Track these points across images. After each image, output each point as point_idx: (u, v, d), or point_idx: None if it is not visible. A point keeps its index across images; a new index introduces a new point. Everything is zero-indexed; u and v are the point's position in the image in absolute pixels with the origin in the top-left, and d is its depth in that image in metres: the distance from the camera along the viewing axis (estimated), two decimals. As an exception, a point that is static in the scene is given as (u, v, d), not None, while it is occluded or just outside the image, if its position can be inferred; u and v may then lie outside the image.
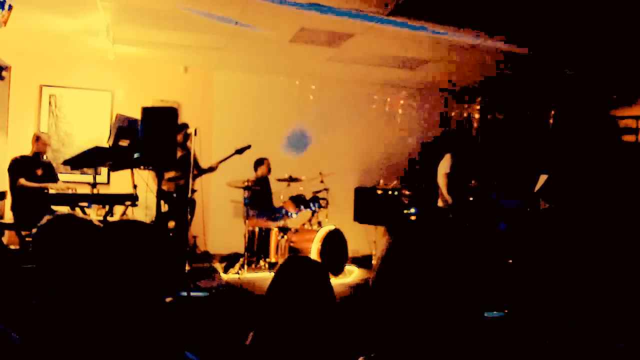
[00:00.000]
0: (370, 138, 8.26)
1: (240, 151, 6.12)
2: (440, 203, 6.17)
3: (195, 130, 5.53)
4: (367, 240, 7.36)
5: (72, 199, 5.30)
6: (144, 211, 6.46)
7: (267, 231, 6.56)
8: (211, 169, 6.30)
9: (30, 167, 5.81)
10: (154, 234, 1.37)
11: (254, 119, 7.73)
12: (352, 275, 6.59)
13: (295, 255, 5.64)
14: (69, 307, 1.55)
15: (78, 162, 5.51)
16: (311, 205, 6.72)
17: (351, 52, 6.36)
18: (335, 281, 6.00)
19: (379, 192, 7.32)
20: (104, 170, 7.01)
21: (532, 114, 8.85)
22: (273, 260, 6.44)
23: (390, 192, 7.27)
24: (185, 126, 6.27)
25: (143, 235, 1.36)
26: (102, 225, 1.85)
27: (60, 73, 7.10)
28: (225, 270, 6.36)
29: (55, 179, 6.05)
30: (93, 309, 1.32)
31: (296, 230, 6.39)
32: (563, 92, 8.41)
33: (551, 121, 8.63)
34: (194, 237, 6.84)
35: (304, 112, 8.01)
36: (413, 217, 7.19)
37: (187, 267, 5.65)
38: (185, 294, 4.75)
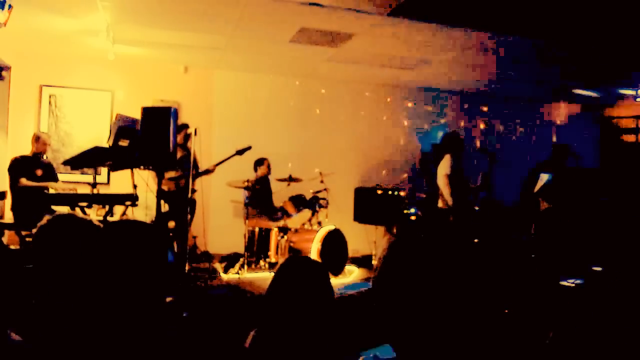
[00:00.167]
0: (370, 138, 8.26)
1: (240, 152, 6.12)
2: (440, 204, 6.16)
3: (195, 130, 5.53)
4: (367, 240, 7.36)
5: (72, 199, 5.30)
6: (144, 211, 6.46)
7: (267, 231, 6.56)
8: (207, 172, 6.29)
9: (31, 167, 5.81)
10: (153, 234, 1.37)
11: (254, 119, 7.73)
12: (352, 275, 6.59)
13: (295, 255, 5.64)
14: (69, 307, 1.55)
15: (78, 162, 5.51)
16: (311, 205, 6.72)
17: (351, 52, 6.36)
18: (335, 281, 6.00)
19: (379, 192, 7.32)
20: (104, 170, 7.01)
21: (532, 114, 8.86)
22: (273, 260, 6.44)
23: (390, 192, 7.27)
24: (185, 126, 6.27)
25: (143, 235, 1.36)
26: (102, 225, 1.85)
27: (60, 73, 7.09)
28: (225, 270, 6.36)
29: (55, 179, 6.05)
30: (93, 308, 1.32)
31: (296, 230, 6.39)
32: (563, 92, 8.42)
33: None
34: (194, 237, 6.83)
35: (304, 112, 8.01)
36: (413, 217, 7.19)
37: (187, 267, 5.65)
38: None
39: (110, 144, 5.17)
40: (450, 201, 5.96)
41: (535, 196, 6.59)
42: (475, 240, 5.63)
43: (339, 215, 7.21)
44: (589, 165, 7.76)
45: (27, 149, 5.94)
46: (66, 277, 1.65)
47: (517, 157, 8.24)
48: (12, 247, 5.86)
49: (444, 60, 6.58)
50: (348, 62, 6.93)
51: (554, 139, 8.88)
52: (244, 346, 1.73)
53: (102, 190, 6.21)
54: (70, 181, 6.51)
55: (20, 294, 1.60)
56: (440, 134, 8.41)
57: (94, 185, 5.62)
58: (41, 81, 7.04)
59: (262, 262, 6.51)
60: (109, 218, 5.54)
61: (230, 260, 6.59)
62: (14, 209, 5.79)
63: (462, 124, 8.55)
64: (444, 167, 6.07)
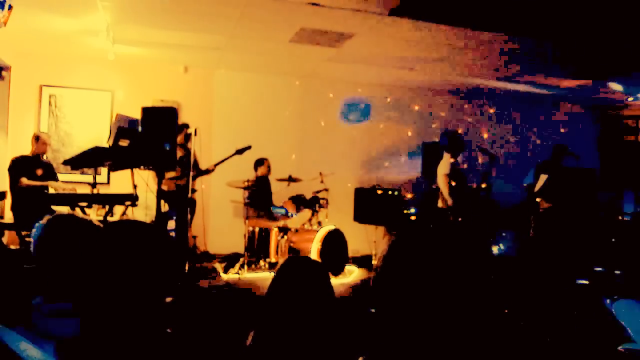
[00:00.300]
0: (371, 138, 8.26)
1: (240, 152, 6.12)
2: (440, 204, 6.16)
3: (195, 130, 5.53)
4: (367, 240, 7.36)
5: (72, 199, 5.30)
6: (144, 211, 6.46)
7: (267, 231, 6.56)
8: (207, 171, 6.29)
9: (31, 167, 5.81)
10: (154, 234, 1.37)
11: (254, 119, 7.73)
12: (352, 275, 6.59)
13: (295, 255, 5.65)
14: (69, 307, 1.55)
15: (78, 162, 5.50)
16: (311, 205, 6.72)
17: (351, 52, 6.36)
18: (335, 281, 6.00)
19: (379, 192, 7.32)
20: (104, 170, 7.01)
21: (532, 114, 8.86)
22: (273, 260, 6.44)
23: (390, 192, 7.27)
24: (185, 126, 6.26)
25: (143, 235, 1.36)
26: (102, 225, 1.85)
27: (60, 73, 7.09)
28: (225, 270, 6.35)
29: (55, 179, 6.05)
30: (93, 309, 1.32)
31: (296, 230, 6.39)
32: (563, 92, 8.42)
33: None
34: (194, 237, 6.84)
35: (304, 112, 8.01)
36: (413, 217, 7.19)
37: (187, 267, 5.65)
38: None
39: (110, 144, 5.16)
40: (449, 201, 5.96)
41: (535, 196, 6.60)
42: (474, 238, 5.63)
43: (339, 215, 7.21)
44: (589, 165, 7.76)
45: (27, 149, 5.94)
46: (66, 277, 1.65)
47: (517, 157, 8.25)
48: (12, 247, 5.86)
49: (444, 59, 6.58)
50: (348, 62, 6.93)
51: (556, 138, 8.88)
52: (244, 346, 1.73)
53: (102, 190, 6.21)
54: (70, 181, 6.50)
55: (20, 294, 1.60)
56: (440, 133, 8.42)
57: (94, 185, 5.62)
58: (41, 81, 7.04)
59: (262, 262, 6.51)
60: (109, 218, 5.53)
61: (230, 260, 6.59)
62: (14, 209, 5.79)
63: (462, 123, 8.54)
64: (443, 166, 6.07)
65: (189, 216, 6.12)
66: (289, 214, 6.58)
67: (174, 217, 5.97)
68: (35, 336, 1.44)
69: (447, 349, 0.94)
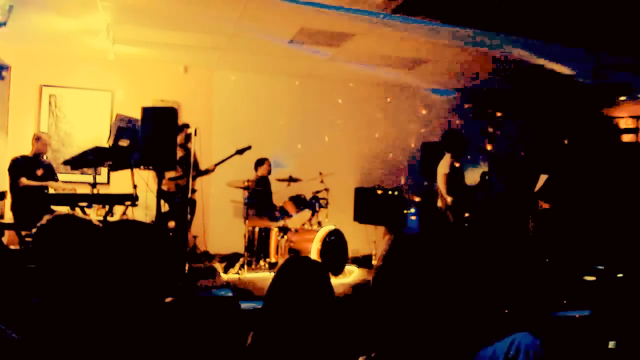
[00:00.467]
0: (370, 138, 8.26)
1: (240, 152, 6.12)
2: (439, 204, 6.16)
3: (195, 130, 5.53)
4: (367, 240, 7.36)
5: (72, 199, 5.30)
6: (144, 211, 6.46)
7: (267, 231, 6.56)
8: (207, 171, 6.29)
9: (31, 167, 5.81)
10: (153, 234, 1.37)
11: (254, 119, 7.73)
12: (352, 275, 6.59)
13: (295, 255, 5.64)
14: (69, 307, 1.55)
15: (78, 162, 5.51)
16: (311, 205, 6.72)
17: (351, 52, 6.36)
18: (335, 281, 6.00)
19: (379, 192, 7.32)
20: (104, 170, 7.01)
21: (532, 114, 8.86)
22: (273, 260, 6.44)
23: (390, 192, 7.27)
24: (186, 126, 6.26)
25: (143, 235, 1.36)
26: (102, 225, 1.85)
27: (60, 73, 7.09)
28: (225, 270, 6.35)
29: (55, 180, 6.05)
30: (93, 308, 1.32)
31: (296, 230, 6.38)
32: (562, 92, 8.42)
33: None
34: (194, 237, 6.84)
35: (304, 112, 8.02)
36: (413, 217, 7.19)
37: (187, 267, 5.65)
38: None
39: (110, 144, 5.17)
40: (449, 201, 5.95)
41: (534, 196, 6.60)
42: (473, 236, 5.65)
43: (339, 215, 7.21)
44: (588, 166, 7.75)
45: (27, 149, 5.94)
46: (66, 277, 1.65)
47: (517, 157, 8.24)
48: (12, 247, 5.86)
49: (444, 59, 6.58)
50: (348, 62, 6.93)
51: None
52: (244, 346, 1.73)
53: (102, 190, 6.21)
54: (70, 181, 6.50)
55: (20, 294, 1.60)
56: (440, 133, 8.41)
57: (94, 185, 5.62)
58: (41, 81, 7.04)
59: (262, 262, 6.51)
60: (109, 218, 5.54)
61: (230, 260, 6.59)
62: (14, 209, 5.79)
63: (463, 123, 8.54)
64: (443, 166, 6.07)
65: (189, 216, 6.12)
66: (289, 214, 6.58)
67: (174, 218, 5.98)
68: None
69: (447, 346, 0.94)
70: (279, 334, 1.64)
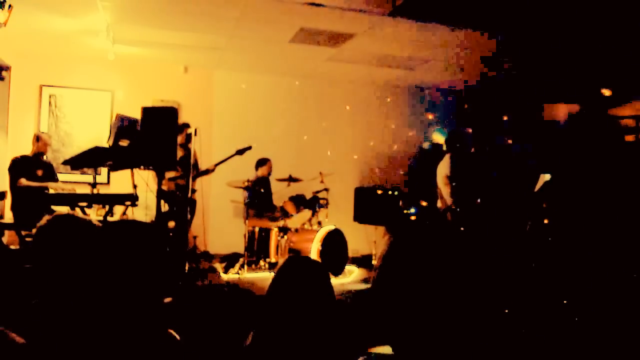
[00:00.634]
0: (370, 138, 8.26)
1: (240, 152, 6.12)
2: (439, 204, 6.16)
3: (195, 130, 5.53)
4: (367, 240, 7.36)
5: (72, 199, 5.30)
6: (144, 211, 6.46)
7: (267, 231, 6.56)
8: (208, 171, 6.29)
9: (31, 167, 5.81)
10: (153, 234, 1.37)
11: (254, 119, 7.73)
12: (352, 275, 6.59)
13: (295, 255, 5.64)
14: (69, 307, 1.55)
15: (78, 162, 5.51)
16: (311, 205, 6.72)
17: (351, 52, 6.36)
18: (335, 281, 6.00)
19: (379, 192, 7.32)
20: (104, 170, 7.01)
21: (532, 114, 8.85)
22: (273, 260, 6.44)
23: (390, 192, 7.27)
24: (186, 126, 6.26)
25: (142, 235, 1.36)
26: (102, 225, 1.84)
27: (60, 73, 7.10)
28: (225, 270, 6.36)
29: (55, 180, 6.05)
30: (92, 308, 1.32)
31: (296, 230, 6.39)
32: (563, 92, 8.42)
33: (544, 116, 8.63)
34: (194, 237, 6.84)
35: (304, 112, 8.02)
36: (413, 217, 7.19)
37: (187, 267, 5.65)
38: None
39: (110, 144, 5.17)
40: (449, 201, 5.95)
41: (534, 196, 6.59)
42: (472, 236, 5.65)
43: (339, 215, 7.21)
44: (588, 166, 7.75)
45: (27, 149, 5.94)
46: (66, 277, 1.65)
47: (517, 157, 8.23)
48: (12, 247, 5.86)
49: (444, 60, 6.58)
50: (348, 62, 6.93)
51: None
52: (244, 346, 1.73)
53: (102, 190, 6.21)
54: (70, 181, 6.51)
55: (20, 294, 1.60)
56: (440, 133, 8.42)
57: (94, 185, 5.62)
58: (41, 81, 7.04)
59: (262, 262, 6.51)
60: (109, 218, 5.53)
61: (230, 260, 6.59)
62: (14, 209, 5.79)
63: (462, 123, 8.54)
64: (443, 167, 6.07)
65: (189, 216, 6.12)
66: (289, 214, 6.57)
67: (174, 218, 5.97)
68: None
69: (447, 346, 0.94)
70: (279, 334, 1.64)
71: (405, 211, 7.20)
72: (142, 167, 5.06)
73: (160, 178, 4.80)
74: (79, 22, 5.47)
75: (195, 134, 5.52)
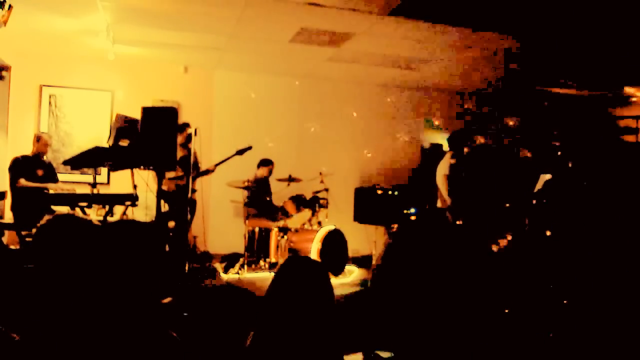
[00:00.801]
0: (370, 138, 8.26)
1: (241, 152, 6.12)
2: (439, 204, 6.17)
3: (196, 130, 5.53)
4: (367, 240, 7.35)
5: (72, 199, 5.30)
6: (144, 211, 6.46)
7: (267, 231, 6.56)
8: (208, 172, 6.29)
9: (31, 167, 5.81)
10: (152, 234, 1.37)
11: (254, 119, 7.73)
12: (352, 275, 6.59)
13: (296, 255, 5.65)
14: (69, 307, 1.55)
15: (78, 162, 5.50)
16: (311, 205, 6.72)
17: (351, 52, 6.37)
18: (335, 281, 6.00)
19: (379, 192, 7.32)
20: (104, 170, 7.01)
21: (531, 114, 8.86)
22: (273, 260, 6.44)
23: (390, 192, 7.27)
24: (186, 125, 6.26)
25: (142, 236, 1.36)
26: (101, 225, 1.84)
27: (60, 73, 7.10)
28: (225, 270, 6.36)
29: (55, 180, 6.05)
30: (92, 308, 1.32)
31: (296, 230, 6.39)
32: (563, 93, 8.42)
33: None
34: (194, 237, 6.84)
35: (304, 112, 8.02)
36: (413, 217, 7.19)
37: (187, 267, 5.65)
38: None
39: (110, 144, 5.17)
40: (449, 201, 5.96)
41: (534, 196, 6.59)
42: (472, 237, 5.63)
43: (339, 215, 7.21)
44: (588, 166, 7.74)
45: (27, 149, 5.94)
46: (66, 277, 1.65)
47: (517, 157, 8.23)
48: (12, 247, 5.86)
49: (444, 59, 6.58)
50: (348, 62, 6.93)
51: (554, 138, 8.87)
52: (244, 346, 1.73)
53: (102, 190, 6.21)
54: (70, 181, 6.51)
55: (20, 294, 1.60)
56: (439, 133, 8.42)
57: (94, 185, 5.62)
58: (41, 81, 7.04)
59: (262, 262, 6.51)
60: (109, 218, 5.53)
61: (230, 260, 6.59)
62: (14, 209, 5.79)
63: (462, 123, 8.54)
64: (443, 167, 6.07)
65: (189, 216, 6.12)
66: (289, 214, 6.57)
67: (174, 218, 5.97)
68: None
69: (446, 344, 0.94)
70: (279, 334, 1.64)
71: (405, 211, 7.20)
72: (142, 167, 5.05)
73: (160, 178, 4.80)
74: (79, 22, 5.47)
75: (195, 134, 5.52)
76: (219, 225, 7.49)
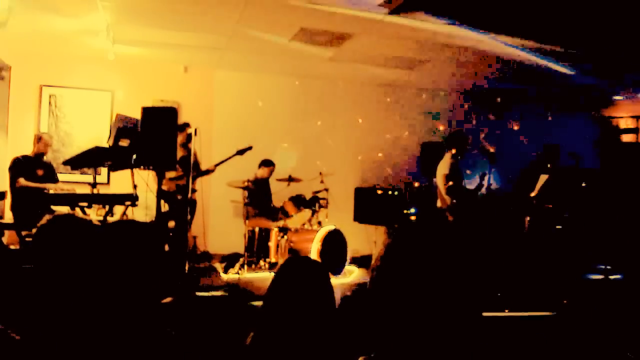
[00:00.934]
0: (370, 138, 8.26)
1: (241, 152, 6.11)
2: (439, 203, 6.16)
3: (195, 130, 5.53)
4: (367, 240, 7.35)
5: (72, 199, 5.30)
6: (144, 211, 6.46)
7: (267, 231, 6.55)
8: (208, 172, 6.28)
9: (32, 167, 5.82)
10: (152, 234, 1.37)
11: (254, 119, 7.73)
12: (352, 275, 6.59)
13: (295, 255, 5.65)
14: (68, 307, 1.55)
15: (78, 162, 5.51)
16: (311, 205, 6.72)
17: (351, 52, 6.36)
18: (335, 281, 6.00)
19: (379, 192, 7.32)
20: (104, 170, 7.01)
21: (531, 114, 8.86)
22: (273, 260, 6.44)
23: (390, 192, 7.27)
24: (187, 125, 6.26)
25: (141, 236, 1.36)
26: (101, 225, 1.85)
27: (60, 73, 7.09)
28: (225, 270, 6.35)
29: (55, 180, 6.05)
30: (92, 308, 1.32)
31: (296, 230, 6.38)
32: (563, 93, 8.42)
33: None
34: (194, 237, 6.83)
35: (304, 112, 8.01)
36: (413, 217, 7.19)
37: (187, 267, 5.65)
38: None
39: (110, 144, 5.17)
40: (449, 200, 5.96)
41: (533, 197, 6.59)
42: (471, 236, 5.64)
43: (339, 215, 7.21)
44: (588, 166, 7.76)
45: (27, 149, 5.94)
46: (66, 277, 1.65)
47: (517, 157, 8.24)
48: (12, 247, 5.86)
49: (444, 60, 6.58)
50: (348, 62, 6.93)
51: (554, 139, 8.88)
52: (243, 346, 1.73)
53: (102, 190, 6.21)
54: (70, 181, 6.51)
55: (20, 294, 1.60)
56: (439, 133, 8.42)
57: (94, 185, 5.62)
58: (41, 81, 7.04)
59: (262, 262, 6.51)
60: (109, 218, 5.53)
61: (230, 260, 6.59)
62: (13, 209, 5.79)
63: (462, 123, 8.54)
64: (443, 166, 6.07)
65: (189, 216, 6.12)
66: (289, 214, 6.57)
67: (174, 217, 5.97)
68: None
69: (445, 348, 0.94)
70: (279, 334, 1.64)
71: (405, 211, 7.20)
72: (142, 167, 5.05)
73: (160, 178, 4.80)
74: (79, 22, 5.47)
75: (195, 134, 5.52)
76: (219, 225, 7.49)
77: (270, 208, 6.78)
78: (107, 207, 5.58)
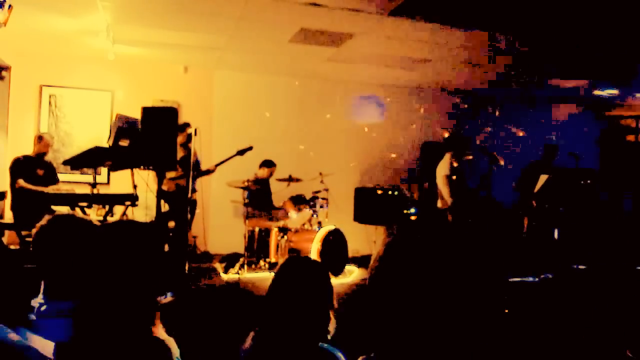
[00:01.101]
0: (370, 138, 8.26)
1: (241, 152, 6.11)
2: (439, 204, 6.17)
3: (195, 130, 5.53)
4: (367, 240, 7.36)
5: (72, 199, 5.30)
6: (144, 211, 6.46)
7: (267, 231, 6.55)
8: (208, 172, 6.28)
9: (32, 167, 5.81)
10: (151, 234, 1.37)
11: (254, 119, 7.73)
12: (352, 275, 6.59)
13: (295, 255, 5.64)
14: (68, 306, 1.55)
15: (78, 162, 5.51)
16: (311, 205, 6.72)
17: (351, 52, 6.36)
18: (335, 281, 6.00)
19: (379, 192, 7.32)
20: (104, 170, 7.01)
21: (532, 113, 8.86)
22: (273, 260, 6.44)
23: (390, 192, 7.27)
24: (187, 125, 6.26)
25: (141, 236, 1.36)
26: (100, 225, 1.85)
27: (60, 73, 7.09)
28: (225, 270, 6.36)
29: (55, 180, 6.05)
30: (92, 308, 1.32)
31: (296, 230, 6.39)
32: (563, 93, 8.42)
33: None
34: (194, 237, 6.83)
35: (304, 112, 8.01)
36: (413, 217, 7.19)
37: (187, 267, 5.65)
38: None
39: (110, 144, 5.17)
40: (449, 201, 5.96)
41: (534, 197, 6.60)
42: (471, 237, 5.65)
43: (339, 215, 7.21)
44: (589, 166, 7.76)
45: (27, 149, 5.94)
46: (65, 277, 1.65)
47: (517, 157, 8.25)
48: (12, 247, 5.86)
49: (444, 60, 6.58)
50: (348, 62, 6.93)
51: (555, 139, 8.88)
52: (243, 346, 1.73)
53: (102, 190, 6.21)
54: (70, 181, 6.51)
55: (20, 294, 1.60)
56: (439, 133, 8.42)
57: (94, 185, 5.62)
58: (41, 81, 7.04)
59: (262, 262, 6.51)
60: (109, 218, 5.54)
61: (230, 260, 6.59)
62: (14, 209, 5.79)
63: (462, 123, 8.54)
64: (443, 167, 6.07)
65: (189, 216, 6.12)
66: (289, 214, 6.57)
67: (174, 218, 5.97)
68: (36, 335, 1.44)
69: (445, 347, 0.94)
70: (278, 334, 1.64)
71: (405, 211, 7.20)
72: (142, 167, 5.06)
73: (160, 178, 4.80)
74: (79, 22, 5.47)
75: (195, 134, 5.52)
76: (219, 225, 7.49)
77: (270, 208, 6.78)
78: (107, 207, 5.58)
